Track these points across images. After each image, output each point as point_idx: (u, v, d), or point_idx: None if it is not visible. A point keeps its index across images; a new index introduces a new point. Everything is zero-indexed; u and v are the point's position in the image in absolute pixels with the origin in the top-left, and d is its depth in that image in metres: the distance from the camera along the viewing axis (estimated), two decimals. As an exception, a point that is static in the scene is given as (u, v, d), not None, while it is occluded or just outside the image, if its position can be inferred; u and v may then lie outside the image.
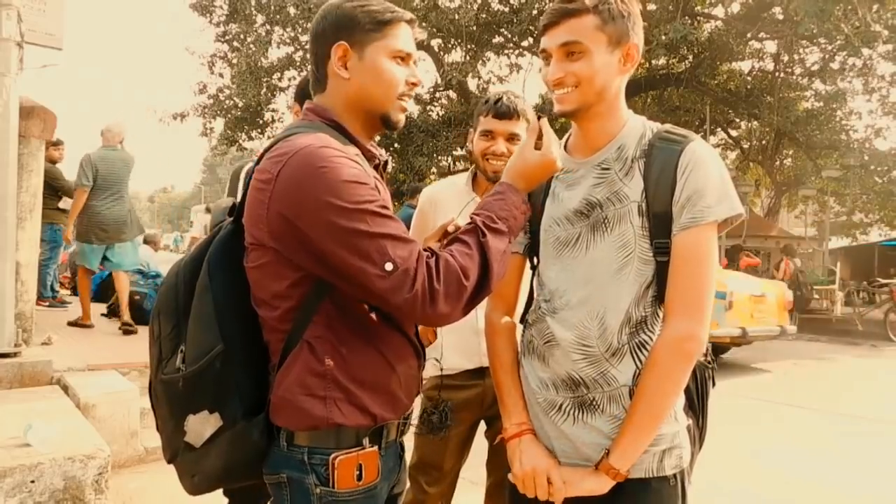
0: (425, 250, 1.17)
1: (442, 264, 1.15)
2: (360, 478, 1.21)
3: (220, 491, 1.33)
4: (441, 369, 2.10)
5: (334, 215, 1.11)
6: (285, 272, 1.18)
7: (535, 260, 1.48)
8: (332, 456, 1.19)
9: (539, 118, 1.32)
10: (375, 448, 1.24)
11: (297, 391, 1.19)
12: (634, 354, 1.31)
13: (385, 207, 1.17)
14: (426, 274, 1.13)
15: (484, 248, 1.19)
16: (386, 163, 1.41)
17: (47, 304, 7.54)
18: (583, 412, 1.34)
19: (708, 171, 1.28)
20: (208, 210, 13.05)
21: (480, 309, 1.56)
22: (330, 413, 1.19)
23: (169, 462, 1.31)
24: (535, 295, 1.47)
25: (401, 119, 1.34)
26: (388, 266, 1.11)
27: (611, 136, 1.35)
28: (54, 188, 6.83)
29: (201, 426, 1.21)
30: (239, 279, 1.24)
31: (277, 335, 1.22)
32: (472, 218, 1.24)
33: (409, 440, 1.46)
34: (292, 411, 1.20)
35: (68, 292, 9.78)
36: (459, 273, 1.15)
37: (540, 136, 1.30)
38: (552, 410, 1.37)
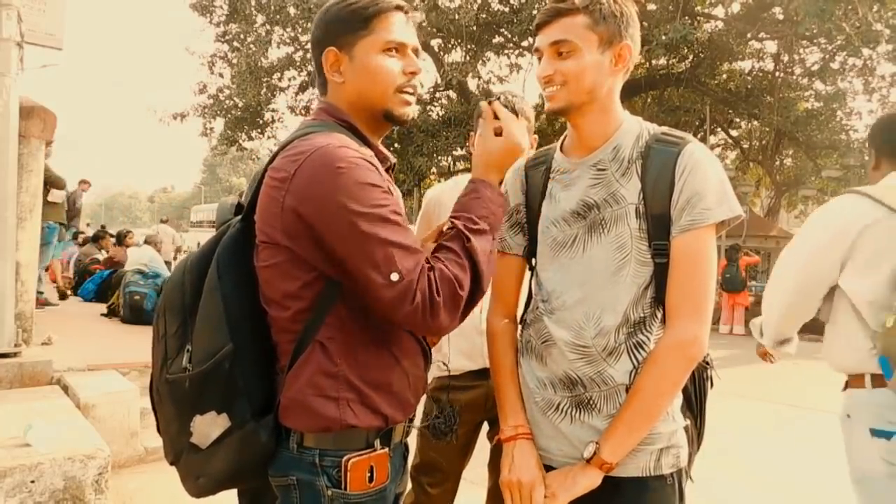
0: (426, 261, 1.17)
1: (439, 276, 1.14)
2: (371, 479, 1.20)
3: (223, 492, 1.32)
4: (449, 371, 2.10)
5: (349, 218, 1.11)
6: (298, 272, 1.17)
7: (533, 261, 1.48)
8: (345, 458, 1.18)
9: (490, 103, 1.32)
10: (386, 450, 1.23)
11: (309, 392, 1.18)
12: (631, 354, 1.31)
13: (397, 213, 1.17)
14: (427, 287, 1.12)
15: (471, 253, 1.18)
16: (394, 165, 1.41)
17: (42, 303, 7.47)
18: (580, 411, 1.34)
19: (706, 173, 1.28)
20: (162, 221, 13.61)
21: (484, 310, 1.57)
22: (343, 414, 1.18)
23: (172, 464, 1.29)
24: (533, 295, 1.48)
25: (405, 112, 1.31)
26: (394, 276, 1.11)
27: (606, 136, 1.36)
28: (43, 181, 6.80)
29: (208, 427, 1.19)
30: (248, 278, 1.23)
31: (288, 336, 1.21)
32: (452, 222, 1.23)
33: (410, 440, 1.46)
34: (304, 413, 1.18)
35: (70, 292, 9.79)
36: (455, 283, 1.15)
37: (497, 121, 1.30)
38: (550, 410, 1.37)
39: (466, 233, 1.20)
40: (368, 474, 1.19)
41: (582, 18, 1.27)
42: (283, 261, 1.18)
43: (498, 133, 1.30)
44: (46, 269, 10.56)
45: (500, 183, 1.32)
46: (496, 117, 1.31)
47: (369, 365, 1.21)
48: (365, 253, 1.11)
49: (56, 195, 6.92)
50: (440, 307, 1.13)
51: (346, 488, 1.18)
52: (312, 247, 1.15)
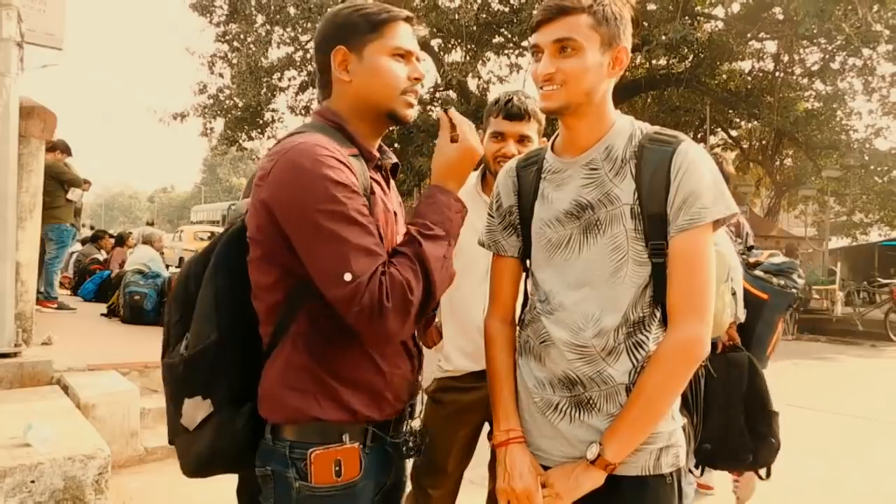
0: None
1: (391, 280, 1.15)
2: (339, 474, 1.22)
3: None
4: (445, 372, 2.10)
5: (309, 214, 1.14)
6: (271, 267, 1.22)
7: (528, 262, 1.48)
8: (310, 450, 1.21)
9: (445, 110, 1.34)
10: (356, 445, 1.24)
11: (278, 383, 1.23)
12: (631, 353, 1.31)
13: (361, 213, 1.18)
14: (377, 290, 1.13)
15: (422, 258, 1.19)
16: (396, 165, 1.44)
17: (55, 305, 7.34)
18: (580, 411, 1.34)
19: (701, 172, 1.28)
20: (148, 223, 13.81)
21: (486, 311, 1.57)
22: (308, 406, 1.21)
23: (170, 443, 1.36)
24: (529, 295, 1.47)
25: (408, 114, 1.35)
26: (347, 276, 1.13)
27: (598, 135, 1.35)
28: (61, 182, 6.81)
29: (195, 410, 1.26)
30: (242, 273, 1.28)
31: (267, 328, 1.26)
32: (407, 228, 1.25)
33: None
34: (273, 403, 1.23)
35: (68, 292, 9.77)
36: (405, 287, 1.15)
37: (453, 128, 1.31)
38: (549, 410, 1.37)
39: (419, 237, 1.21)
40: (336, 468, 1.22)
41: (586, 18, 1.26)
42: (260, 255, 1.23)
43: (454, 140, 1.32)
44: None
45: (460, 188, 1.34)
46: (453, 126, 1.32)
47: (340, 360, 1.24)
48: (321, 250, 1.15)
49: (75, 194, 6.95)
50: (388, 312, 1.13)
51: (311, 481, 1.20)
52: (281, 242, 1.19)
